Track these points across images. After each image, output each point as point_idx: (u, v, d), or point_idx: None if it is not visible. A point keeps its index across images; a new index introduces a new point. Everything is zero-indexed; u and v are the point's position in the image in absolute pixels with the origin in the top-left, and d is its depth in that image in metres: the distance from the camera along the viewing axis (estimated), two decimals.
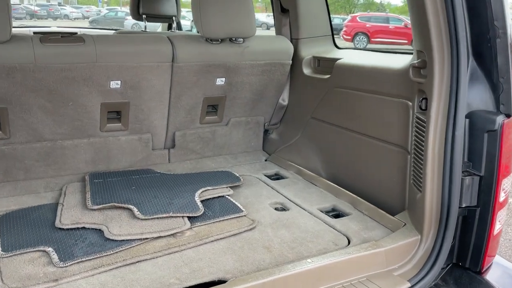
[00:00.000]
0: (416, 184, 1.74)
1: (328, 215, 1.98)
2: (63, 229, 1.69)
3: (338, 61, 2.33)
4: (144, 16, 3.61)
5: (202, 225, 1.79)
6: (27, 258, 1.52)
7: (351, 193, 2.11)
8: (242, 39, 2.42)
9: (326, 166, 2.43)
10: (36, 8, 39.57)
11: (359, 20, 21.78)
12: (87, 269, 1.46)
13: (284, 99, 2.75)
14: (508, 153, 1.60)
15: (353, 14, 25.41)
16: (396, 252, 1.65)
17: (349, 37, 21.20)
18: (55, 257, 1.51)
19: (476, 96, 1.63)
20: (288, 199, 2.14)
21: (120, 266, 1.50)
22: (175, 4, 3.68)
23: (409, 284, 1.55)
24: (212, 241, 1.70)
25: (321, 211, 2.02)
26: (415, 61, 1.74)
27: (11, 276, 1.40)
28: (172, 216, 1.79)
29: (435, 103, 1.61)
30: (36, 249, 1.56)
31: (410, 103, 1.83)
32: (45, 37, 2.01)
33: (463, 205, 1.64)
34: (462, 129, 1.58)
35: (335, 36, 2.76)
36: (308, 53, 2.62)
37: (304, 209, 2.03)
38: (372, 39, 20.92)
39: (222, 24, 2.27)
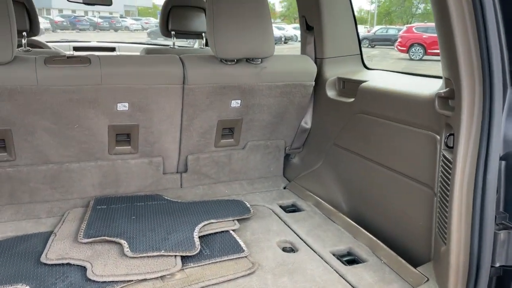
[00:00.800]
0: (441, 234, 1.48)
1: (341, 261, 1.75)
2: (47, 264, 1.59)
3: (363, 84, 2.11)
4: (173, 32, 3.54)
5: (195, 267, 1.63)
6: None
7: (370, 235, 1.87)
8: (259, 60, 2.25)
9: (347, 200, 2.20)
10: (99, 20, 41.77)
11: (415, 31, 20.95)
12: None
13: (307, 122, 2.54)
14: None
15: (409, 25, 24.53)
16: None
17: (404, 49, 20.44)
18: None
19: None
20: (300, 237, 1.93)
21: None
22: (205, 20, 3.59)
23: None
24: (202, 287, 1.53)
25: (334, 254, 1.79)
26: (442, 90, 1.49)
27: None
28: (163, 255, 1.64)
29: (463, 141, 1.36)
30: (14, 287, 1.47)
31: (438, 137, 1.58)
32: (50, 58, 1.95)
33: (497, 264, 1.37)
34: (496, 173, 1.32)
35: (389, 47, 2.53)
36: (333, 74, 2.41)
37: (315, 251, 1.81)
38: (429, 51, 20.03)
39: (237, 44, 2.12)
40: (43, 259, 1.61)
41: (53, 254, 1.64)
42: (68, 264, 1.60)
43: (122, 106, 2.08)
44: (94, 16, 45.50)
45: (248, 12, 2.12)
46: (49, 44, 4.11)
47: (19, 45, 3.28)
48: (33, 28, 3.16)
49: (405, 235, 1.79)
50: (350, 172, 2.18)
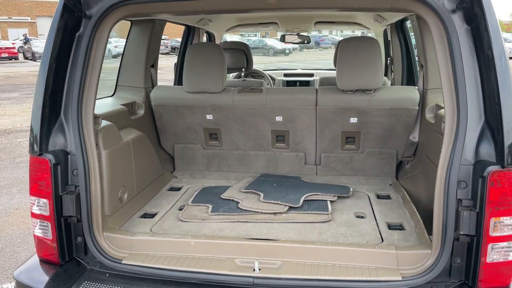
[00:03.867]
0: None
1: (389, 227, 2.61)
2: (223, 198, 3.03)
3: (440, 110, 2.84)
4: None
5: (294, 213, 2.79)
6: (199, 208, 2.91)
7: (419, 216, 2.63)
8: (373, 89, 3.22)
9: (423, 199, 2.93)
10: (340, 38, 44.95)
11: None
12: (219, 219, 2.73)
13: (415, 137, 3.32)
14: (498, 197, 1.96)
15: None
16: (407, 257, 2.22)
17: None
18: (209, 209, 2.84)
19: (483, 149, 2.04)
20: (373, 211, 2.84)
21: (235, 222, 2.70)
22: None
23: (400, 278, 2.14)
24: (292, 222, 2.68)
25: (387, 223, 2.66)
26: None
27: (186, 212, 2.81)
28: (279, 204, 2.86)
29: (443, 154, 2.12)
30: (206, 205, 2.94)
31: None
32: (242, 89, 3.42)
33: (462, 232, 2.06)
34: (456, 173, 2.04)
35: None
36: (433, 101, 3.14)
37: (376, 219, 2.71)
38: None
39: (352, 79, 3.16)
40: (222, 196, 3.06)
41: (226, 194, 3.08)
42: (232, 200, 3.00)
43: (278, 118, 3.40)
44: (337, 35, 49.23)
45: (363, 56, 3.13)
46: (267, 72, 5.83)
47: (239, 76, 5.02)
48: (249, 65, 4.82)
49: None
50: (428, 178, 2.92)
